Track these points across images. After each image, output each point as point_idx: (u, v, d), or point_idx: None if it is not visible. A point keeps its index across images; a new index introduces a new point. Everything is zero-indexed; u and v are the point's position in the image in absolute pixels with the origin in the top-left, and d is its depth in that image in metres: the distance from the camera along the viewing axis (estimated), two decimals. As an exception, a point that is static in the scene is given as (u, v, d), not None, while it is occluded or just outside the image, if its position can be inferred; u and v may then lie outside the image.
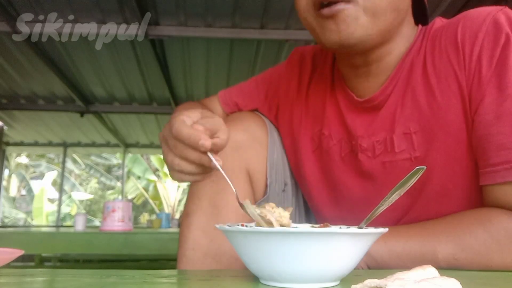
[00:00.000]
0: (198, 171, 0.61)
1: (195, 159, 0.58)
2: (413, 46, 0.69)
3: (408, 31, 0.70)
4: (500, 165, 0.58)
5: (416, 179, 0.44)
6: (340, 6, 0.60)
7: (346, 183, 0.75)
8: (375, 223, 0.51)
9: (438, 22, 0.70)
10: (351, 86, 0.74)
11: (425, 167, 0.44)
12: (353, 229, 0.43)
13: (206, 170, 0.61)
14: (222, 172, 0.57)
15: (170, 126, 0.58)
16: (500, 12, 0.61)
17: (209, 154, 0.57)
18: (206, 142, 0.56)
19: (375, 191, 0.72)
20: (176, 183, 11.68)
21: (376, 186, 0.72)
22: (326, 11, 0.61)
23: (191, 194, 0.75)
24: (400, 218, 0.71)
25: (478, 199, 0.64)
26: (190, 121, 0.59)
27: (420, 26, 0.72)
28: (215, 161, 0.57)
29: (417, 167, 0.44)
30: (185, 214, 0.74)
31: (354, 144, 0.73)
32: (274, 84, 0.89)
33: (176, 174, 0.62)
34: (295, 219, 0.85)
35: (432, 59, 0.66)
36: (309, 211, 0.90)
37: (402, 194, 0.46)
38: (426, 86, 0.66)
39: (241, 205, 0.51)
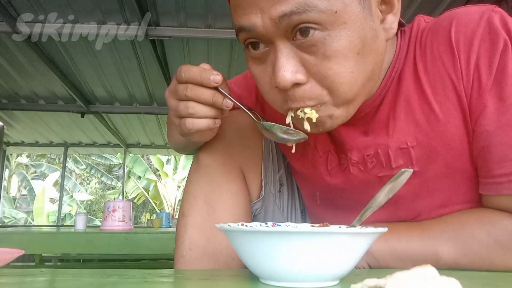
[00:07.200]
0: (211, 114, 0.60)
1: (208, 97, 0.58)
2: (398, 55, 0.63)
3: (389, 51, 0.63)
4: (503, 176, 0.56)
5: (404, 181, 0.44)
6: (310, 112, 0.56)
7: (339, 188, 0.72)
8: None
9: (422, 22, 0.64)
10: None
11: (412, 169, 0.44)
12: (353, 229, 0.43)
13: (218, 114, 0.61)
14: (238, 104, 0.58)
15: (178, 74, 0.59)
16: (492, 13, 0.57)
17: (220, 89, 0.58)
18: (218, 76, 0.57)
19: (369, 192, 0.67)
20: (176, 182, 11.68)
21: (369, 188, 0.68)
22: (299, 114, 0.56)
23: (186, 194, 0.75)
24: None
25: (479, 204, 0.63)
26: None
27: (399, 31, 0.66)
28: (227, 95, 0.59)
29: (402, 170, 0.44)
30: (181, 214, 0.74)
31: (344, 157, 0.69)
32: None
33: (188, 121, 0.59)
34: (291, 219, 0.85)
35: (424, 66, 0.61)
36: (306, 211, 0.89)
37: (391, 196, 0.46)
38: (421, 96, 0.61)
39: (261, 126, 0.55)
